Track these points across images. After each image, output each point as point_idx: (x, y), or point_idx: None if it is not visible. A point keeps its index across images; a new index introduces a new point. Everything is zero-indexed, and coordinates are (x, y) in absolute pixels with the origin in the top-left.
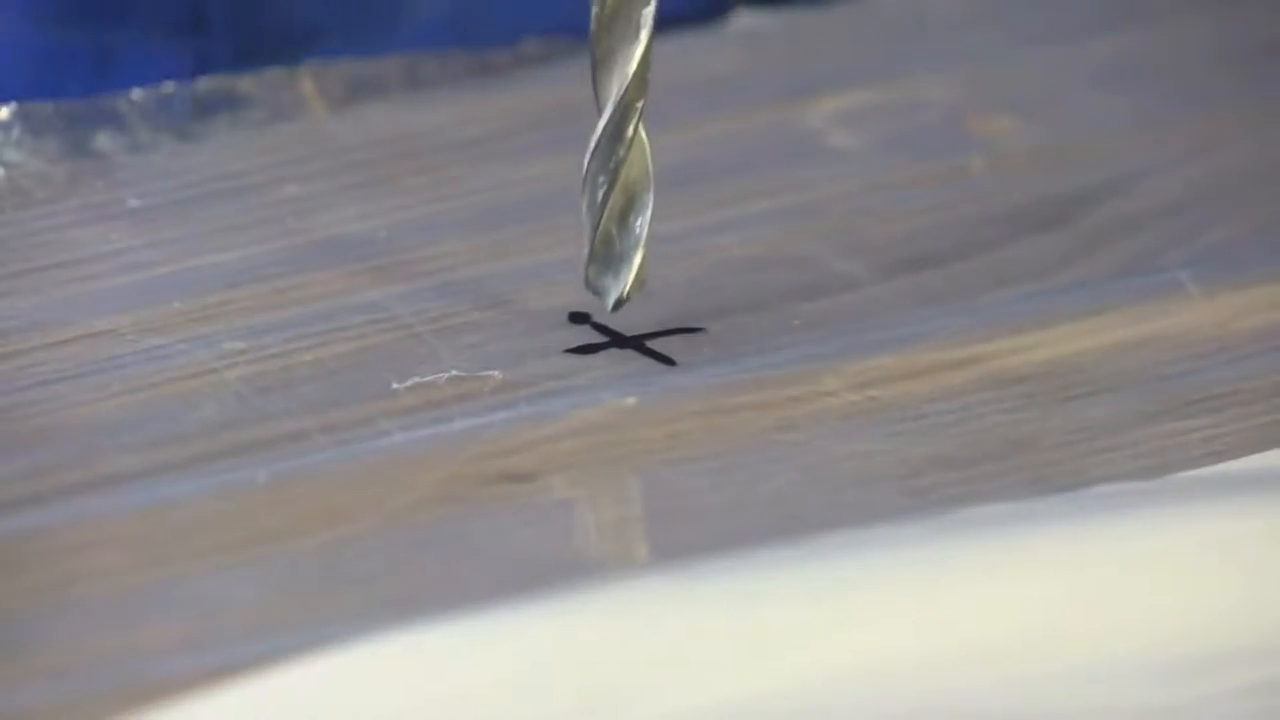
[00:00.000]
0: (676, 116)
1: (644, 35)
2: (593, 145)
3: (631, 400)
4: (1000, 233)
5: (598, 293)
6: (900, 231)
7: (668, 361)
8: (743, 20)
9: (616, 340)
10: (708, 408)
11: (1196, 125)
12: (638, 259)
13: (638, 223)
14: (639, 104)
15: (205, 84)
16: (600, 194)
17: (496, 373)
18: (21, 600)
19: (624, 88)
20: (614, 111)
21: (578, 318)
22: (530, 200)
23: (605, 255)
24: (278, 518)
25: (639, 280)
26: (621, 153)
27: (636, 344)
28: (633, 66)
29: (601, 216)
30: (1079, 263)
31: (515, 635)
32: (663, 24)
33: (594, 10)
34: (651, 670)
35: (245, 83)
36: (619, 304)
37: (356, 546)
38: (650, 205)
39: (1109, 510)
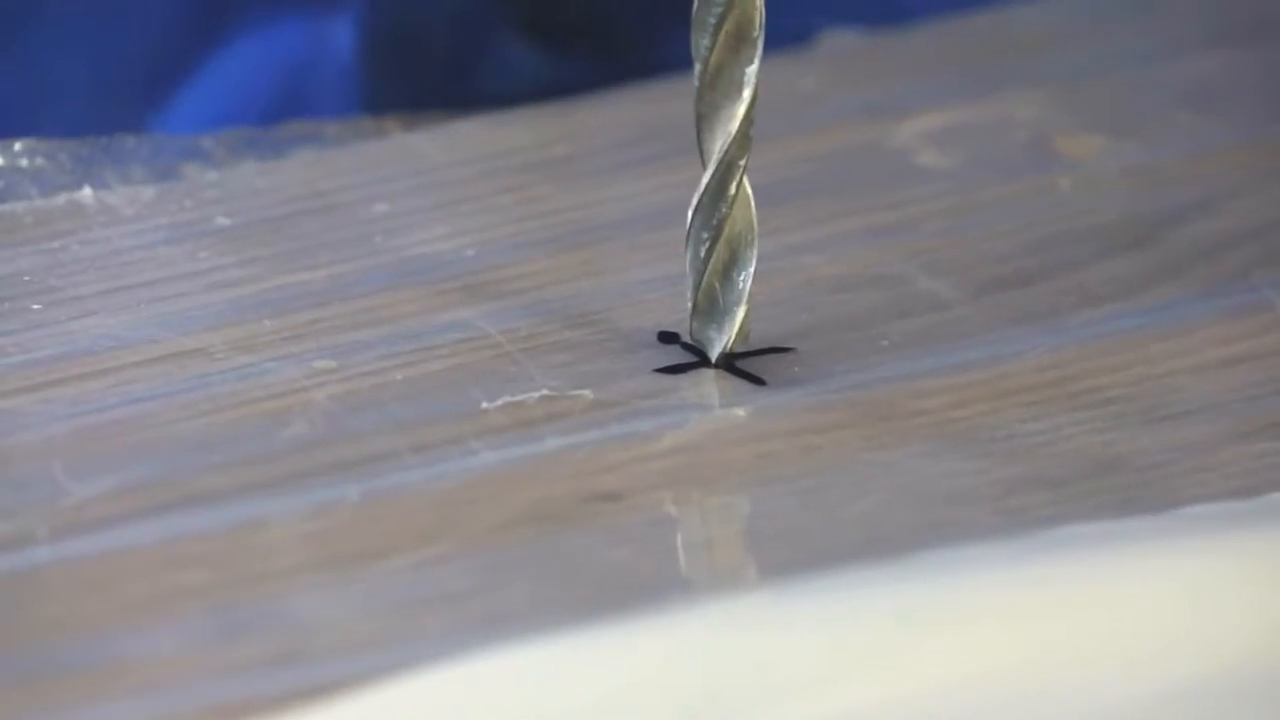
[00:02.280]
0: (765, 136)
1: (747, 94)
2: (695, 201)
3: (721, 420)
4: (1089, 252)
5: (702, 345)
6: (989, 251)
7: (757, 381)
8: (830, 40)
9: (706, 360)
10: (797, 427)
11: None
12: (741, 313)
13: (740, 277)
14: (741, 161)
15: (289, 128)
16: (703, 250)
17: (587, 392)
18: (114, 618)
19: (727, 145)
20: (716, 169)
21: (667, 337)
22: (618, 219)
23: (709, 309)
24: (368, 537)
25: (743, 333)
26: (724, 209)
27: (726, 364)
28: (735, 124)
29: (705, 271)
30: (1168, 282)
31: (605, 656)
32: None
33: (697, 68)
34: (742, 691)
35: (331, 128)
36: (723, 357)
37: (447, 566)
38: (754, 260)
39: (1200, 531)
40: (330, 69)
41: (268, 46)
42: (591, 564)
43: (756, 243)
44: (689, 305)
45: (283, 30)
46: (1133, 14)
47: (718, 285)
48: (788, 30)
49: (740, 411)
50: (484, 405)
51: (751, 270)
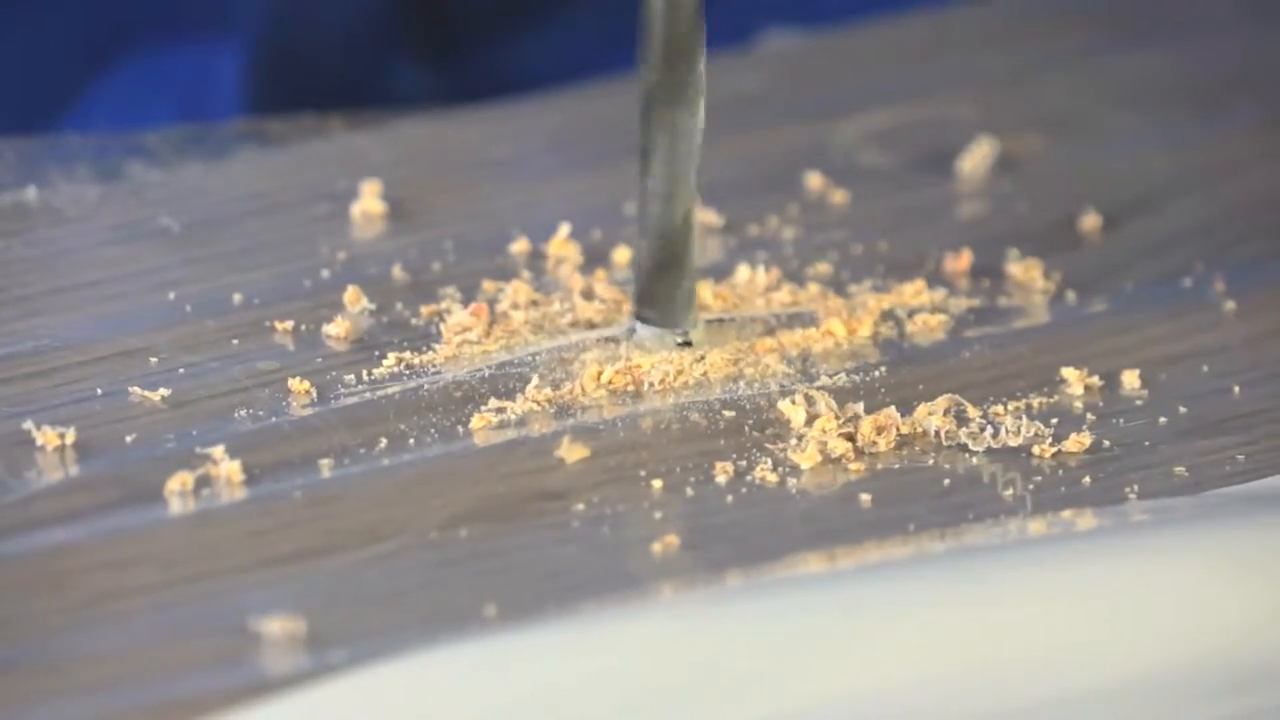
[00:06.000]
0: (707, 137)
1: (695, 99)
2: (641, 199)
3: (665, 418)
4: (1029, 251)
5: (647, 349)
6: (932, 250)
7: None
8: (772, 41)
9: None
10: (741, 425)
11: (1225, 144)
12: (685, 311)
13: (685, 274)
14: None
15: (235, 125)
16: (649, 247)
17: (531, 389)
18: (60, 616)
19: (675, 147)
20: (664, 169)
21: (612, 338)
22: (559, 217)
23: (653, 304)
24: (313, 535)
25: (687, 326)
26: (670, 208)
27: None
28: (682, 130)
29: (651, 267)
30: (1109, 281)
31: (551, 653)
32: None
33: (642, 74)
34: (685, 687)
35: (274, 126)
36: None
37: (392, 563)
38: (695, 258)
39: (1142, 528)
40: (220, 94)
41: (159, 69)
42: (535, 562)
43: (697, 241)
44: (633, 304)
45: (174, 53)
46: (1070, 14)
47: (662, 282)
48: (730, 32)
49: (683, 410)
50: (429, 403)
51: (694, 267)
